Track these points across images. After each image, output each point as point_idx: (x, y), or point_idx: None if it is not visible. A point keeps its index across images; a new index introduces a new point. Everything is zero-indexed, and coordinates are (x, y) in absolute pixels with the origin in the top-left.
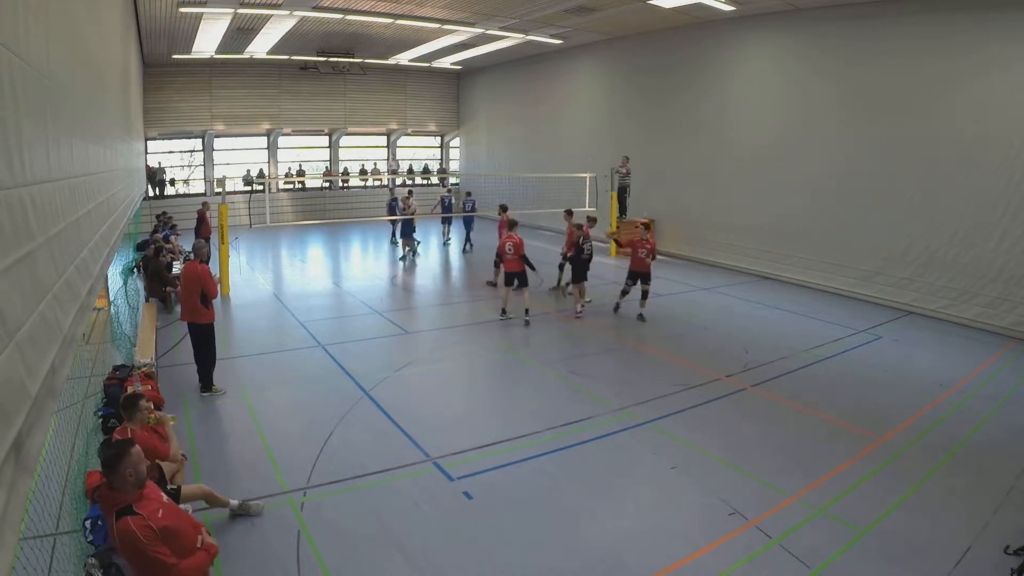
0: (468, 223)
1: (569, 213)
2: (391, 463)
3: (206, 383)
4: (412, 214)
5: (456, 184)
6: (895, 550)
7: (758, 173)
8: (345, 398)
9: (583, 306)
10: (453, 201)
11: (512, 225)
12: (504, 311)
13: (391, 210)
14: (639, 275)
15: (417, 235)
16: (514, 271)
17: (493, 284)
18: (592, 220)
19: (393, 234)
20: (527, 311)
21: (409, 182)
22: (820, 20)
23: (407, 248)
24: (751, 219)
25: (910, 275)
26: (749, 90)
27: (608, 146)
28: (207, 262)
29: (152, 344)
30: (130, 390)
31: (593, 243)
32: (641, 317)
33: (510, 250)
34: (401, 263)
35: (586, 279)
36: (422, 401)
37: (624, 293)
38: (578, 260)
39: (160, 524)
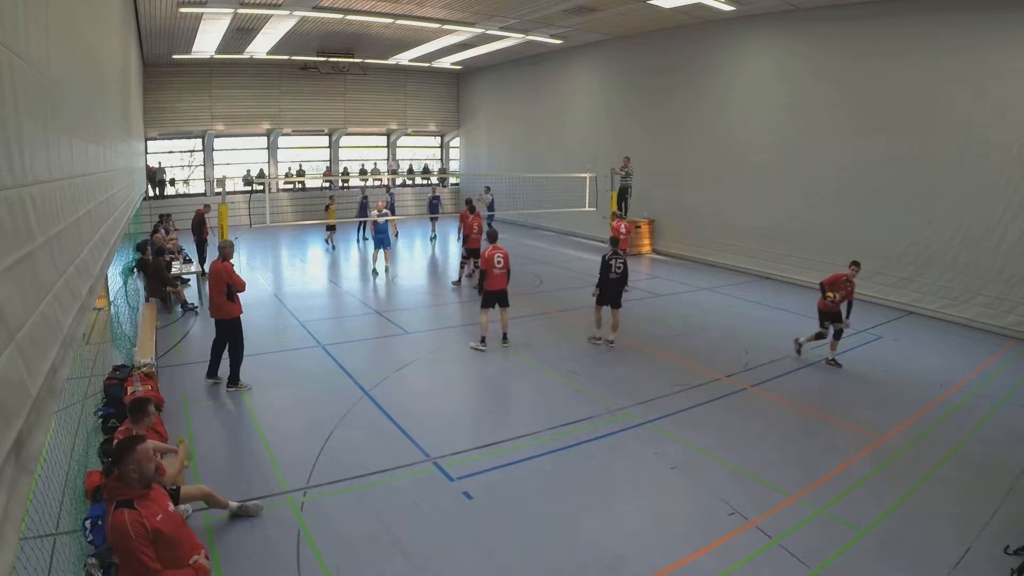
0: (489, 220)
1: (469, 207)
2: (391, 463)
3: (233, 379)
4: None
5: (457, 184)
6: (895, 550)
7: (758, 173)
8: (345, 398)
9: (607, 339)
10: (441, 200)
11: (494, 236)
12: (484, 340)
13: (364, 210)
14: (831, 315)
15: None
16: (498, 289)
17: (457, 283)
18: (617, 217)
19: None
20: (505, 335)
21: (409, 182)
22: (820, 20)
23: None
24: (751, 219)
25: (910, 275)
26: (749, 90)
27: (608, 146)
28: (229, 260)
29: (152, 344)
30: (130, 390)
31: (627, 260)
32: (834, 362)
33: (499, 263)
34: (374, 276)
35: (620, 305)
36: (422, 401)
37: (820, 336)
38: (605, 281)
39: (154, 526)
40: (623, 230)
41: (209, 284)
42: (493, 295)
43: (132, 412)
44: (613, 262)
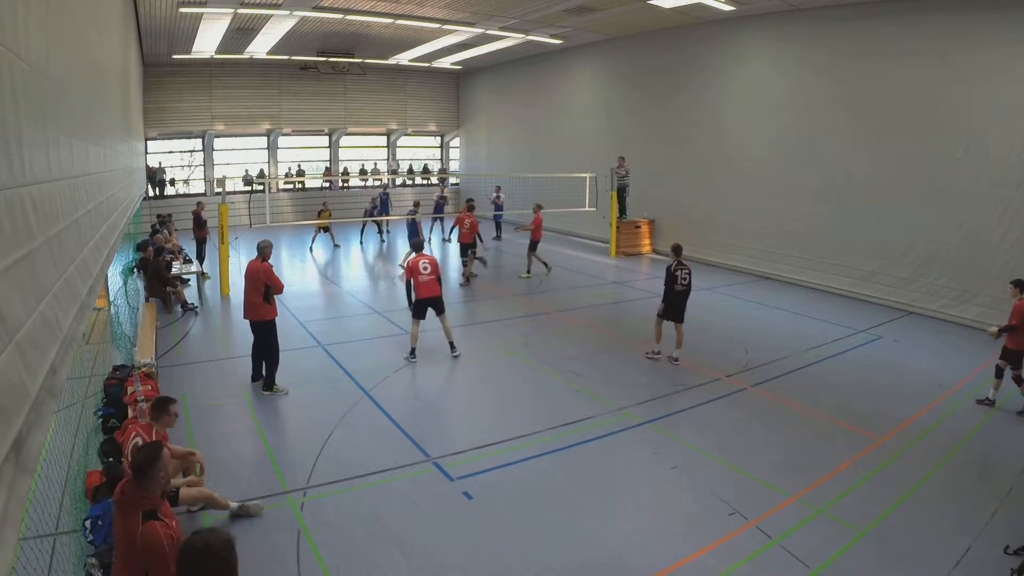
0: (497, 219)
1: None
2: (391, 463)
3: (268, 382)
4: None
5: (457, 184)
6: (895, 550)
7: (758, 173)
8: (345, 398)
9: (671, 356)
10: (447, 201)
11: (419, 247)
12: (414, 352)
13: (374, 212)
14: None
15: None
16: (429, 296)
17: (466, 283)
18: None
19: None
20: (452, 344)
21: (409, 182)
22: (819, 20)
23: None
24: (751, 219)
25: (910, 275)
26: (749, 90)
27: (608, 146)
28: (267, 260)
29: (152, 344)
30: (130, 390)
31: (691, 272)
32: (988, 401)
33: (425, 269)
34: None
35: (683, 319)
36: (422, 401)
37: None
38: (671, 294)
39: (179, 536)
40: (540, 221)
41: (246, 284)
42: (424, 303)
43: (154, 410)
44: (679, 273)
